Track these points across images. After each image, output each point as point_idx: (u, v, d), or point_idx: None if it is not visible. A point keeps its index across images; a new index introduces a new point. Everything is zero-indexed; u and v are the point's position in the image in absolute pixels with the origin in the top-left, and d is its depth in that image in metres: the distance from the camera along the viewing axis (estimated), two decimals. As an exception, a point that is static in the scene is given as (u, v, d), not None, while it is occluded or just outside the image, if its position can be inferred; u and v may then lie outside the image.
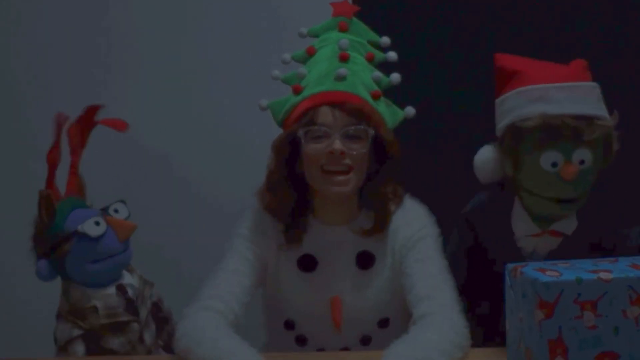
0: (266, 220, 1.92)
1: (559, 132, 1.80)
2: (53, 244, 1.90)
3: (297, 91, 1.88)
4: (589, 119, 1.81)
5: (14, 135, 2.72)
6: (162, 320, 2.04)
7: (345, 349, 1.89)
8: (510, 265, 1.58)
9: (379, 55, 1.96)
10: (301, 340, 1.91)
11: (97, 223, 1.89)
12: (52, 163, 1.94)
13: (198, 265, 2.03)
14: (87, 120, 2.00)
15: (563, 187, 1.83)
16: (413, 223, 1.90)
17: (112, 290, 1.93)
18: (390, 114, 1.91)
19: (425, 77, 2.59)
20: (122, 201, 1.99)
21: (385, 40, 1.97)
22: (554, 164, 1.82)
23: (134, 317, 1.92)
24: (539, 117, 1.80)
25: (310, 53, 1.94)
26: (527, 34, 2.55)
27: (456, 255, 1.98)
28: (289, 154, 1.86)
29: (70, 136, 1.98)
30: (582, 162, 1.82)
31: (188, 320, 1.76)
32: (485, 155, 1.94)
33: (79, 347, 1.90)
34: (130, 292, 1.94)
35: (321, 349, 1.89)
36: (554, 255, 1.90)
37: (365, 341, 1.90)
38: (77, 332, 1.90)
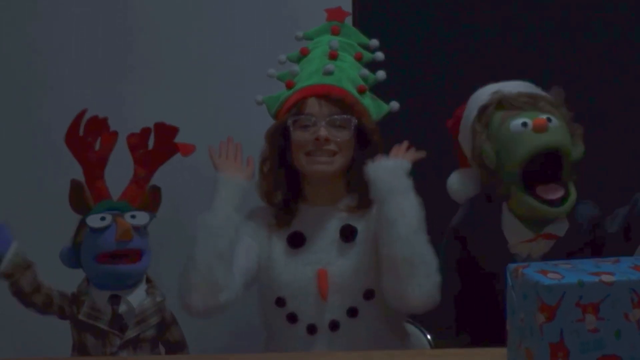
0: (257, 208, 2.06)
1: (518, 102, 1.92)
2: (75, 232, 2.07)
3: (289, 86, 2.07)
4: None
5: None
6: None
7: (334, 322, 1.96)
8: (511, 266, 1.56)
9: (367, 55, 2.14)
10: (292, 318, 1.98)
11: (103, 218, 2.00)
12: (83, 159, 2.02)
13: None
14: (164, 141, 2.06)
15: (538, 137, 1.89)
16: None
17: (106, 296, 2.01)
18: (375, 107, 2.08)
19: (414, 77, 2.68)
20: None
21: (374, 42, 2.16)
22: (524, 124, 1.90)
23: (115, 331, 1.99)
24: (496, 94, 1.95)
25: (304, 53, 2.13)
26: (514, 37, 2.61)
27: (447, 268, 1.98)
28: (281, 148, 2.04)
29: (131, 145, 2.06)
30: (549, 120, 1.90)
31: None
32: (456, 177, 2.05)
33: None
34: (123, 307, 2.00)
35: (311, 325, 1.96)
36: (548, 258, 1.92)
37: (353, 313, 1.96)
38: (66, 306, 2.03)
